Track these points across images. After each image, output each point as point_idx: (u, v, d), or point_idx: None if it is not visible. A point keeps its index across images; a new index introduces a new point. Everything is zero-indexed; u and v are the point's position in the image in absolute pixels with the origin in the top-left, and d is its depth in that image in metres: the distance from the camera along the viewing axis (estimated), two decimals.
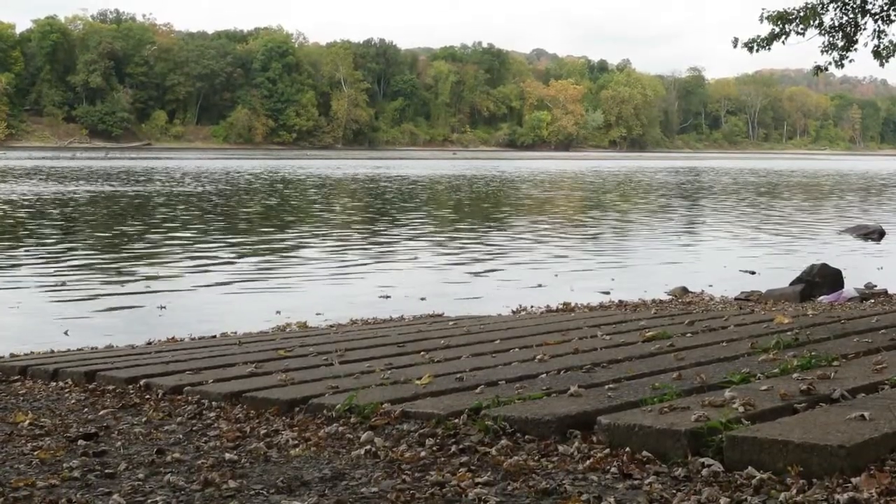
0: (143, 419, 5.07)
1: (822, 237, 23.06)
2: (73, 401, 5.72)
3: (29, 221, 25.28)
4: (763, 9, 9.47)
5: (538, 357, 6.04)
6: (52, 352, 8.66)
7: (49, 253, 18.44)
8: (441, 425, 4.35)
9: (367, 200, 36.07)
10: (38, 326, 11.19)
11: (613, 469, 3.65)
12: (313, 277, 15.57)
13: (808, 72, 12.61)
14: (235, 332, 9.98)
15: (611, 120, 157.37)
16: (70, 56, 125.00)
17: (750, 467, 3.50)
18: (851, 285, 12.63)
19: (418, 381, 5.35)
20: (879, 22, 9.56)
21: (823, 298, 11.78)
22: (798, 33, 9.37)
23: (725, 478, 3.48)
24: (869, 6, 9.47)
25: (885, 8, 9.46)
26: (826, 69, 9.84)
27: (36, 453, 4.26)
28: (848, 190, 47.91)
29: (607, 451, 3.86)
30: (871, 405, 4.10)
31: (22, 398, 5.93)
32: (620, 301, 12.32)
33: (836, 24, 9.41)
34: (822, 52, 9.61)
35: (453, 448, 4.05)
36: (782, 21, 9.33)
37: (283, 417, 4.93)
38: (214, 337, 9.61)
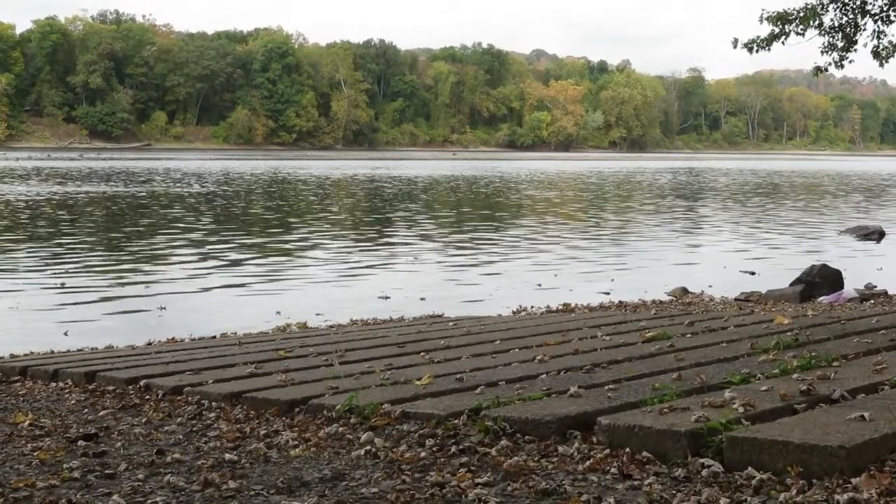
0: (143, 420, 5.07)
1: (822, 238, 23.06)
2: (73, 401, 5.72)
3: (29, 222, 25.28)
4: (763, 9, 9.48)
5: (538, 357, 6.04)
6: (52, 352, 8.65)
7: (49, 253, 18.44)
8: (441, 426, 4.35)
9: (367, 201, 36.08)
10: (38, 327, 11.19)
11: (613, 470, 3.65)
12: (313, 278, 15.58)
13: (807, 72, 12.61)
14: (235, 333, 9.98)
15: (611, 120, 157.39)
16: (70, 56, 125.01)
17: (750, 468, 3.50)
18: (851, 286, 12.63)
19: (418, 382, 5.35)
20: (879, 22, 9.56)
21: (823, 299, 11.79)
22: (798, 34, 9.37)
23: (725, 478, 3.48)
24: (869, 7, 9.47)
25: (885, 8, 9.46)
26: (826, 70, 9.84)
27: (36, 454, 4.26)
28: (848, 190, 47.92)
29: (607, 451, 3.86)
30: (871, 406, 4.10)
31: (22, 399, 5.93)
32: (620, 301, 12.32)
33: (836, 24, 9.42)
34: (821, 52, 9.62)
35: (453, 448, 4.05)
36: (782, 22, 9.34)
37: (283, 418, 4.93)
38: (214, 337, 9.61)
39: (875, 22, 9.55)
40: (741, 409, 4.06)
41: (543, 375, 5.41)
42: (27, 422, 5.02)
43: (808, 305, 11.03)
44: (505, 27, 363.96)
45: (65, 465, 4.01)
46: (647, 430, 3.86)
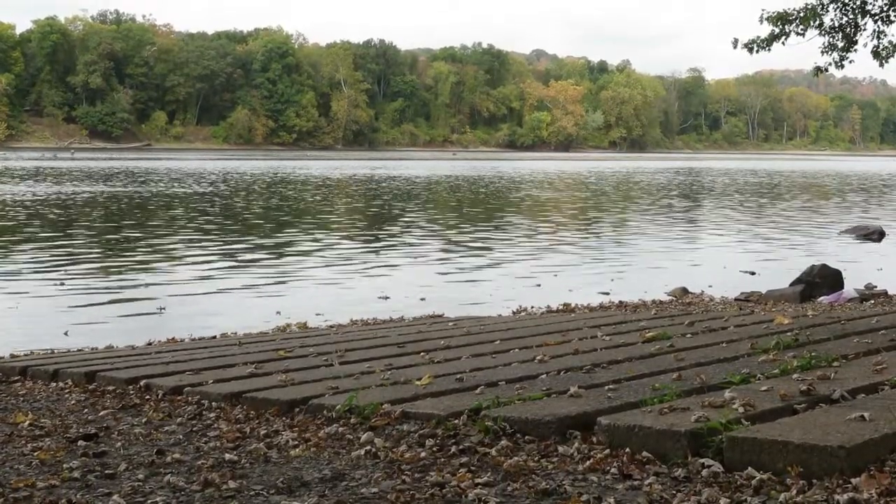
0: (144, 420, 5.07)
1: (822, 238, 23.06)
2: (73, 401, 5.72)
3: (29, 222, 25.29)
4: (763, 10, 9.48)
5: (538, 358, 6.04)
6: (53, 352, 8.66)
7: (49, 253, 18.44)
8: (441, 426, 4.35)
9: (367, 201, 36.08)
10: (38, 327, 11.19)
11: (613, 470, 3.65)
12: (313, 278, 15.57)
13: (808, 72, 12.62)
14: (235, 333, 9.98)
15: (611, 120, 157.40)
16: (70, 57, 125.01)
17: (750, 468, 3.50)
18: (851, 286, 12.63)
19: (418, 382, 5.35)
20: (879, 22, 9.56)
21: (823, 299, 11.79)
22: (798, 34, 9.37)
23: (725, 478, 3.48)
24: (869, 7, 9.47)
25: (885, 9, 9.46)
26: (826, 70, 9.84)
27: (36, 454, 4.26)
28: (848, 190, 47.92)
29: (607, 451, 3.86)
30: (871, 406, 4.10)
31: (22, 399, 5.93)
32: (620, 302, 12.33)
33: (836, 24, 9.42)
34: (821, 52, 9.62)
35: (453, 449, 4.05)
36: (782, 22, 9.34)
37: (283, 418, 4.93)
38: (214, 337, 9.61)
39: (875, 22, 9.55)
40: (741, 410, 4.06)
41: (543, 375, 5.41)
42: (27, 422, 5.02)
43: (808, 305, 11.03)
44: (505, 27, 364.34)
45: (65, 465, 4.01)
46: (647, 430, 3.86)
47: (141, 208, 30.56)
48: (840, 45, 9.48)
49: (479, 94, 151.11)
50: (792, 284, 12.85)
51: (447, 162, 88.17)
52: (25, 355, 8.43)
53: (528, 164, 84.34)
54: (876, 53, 9.71)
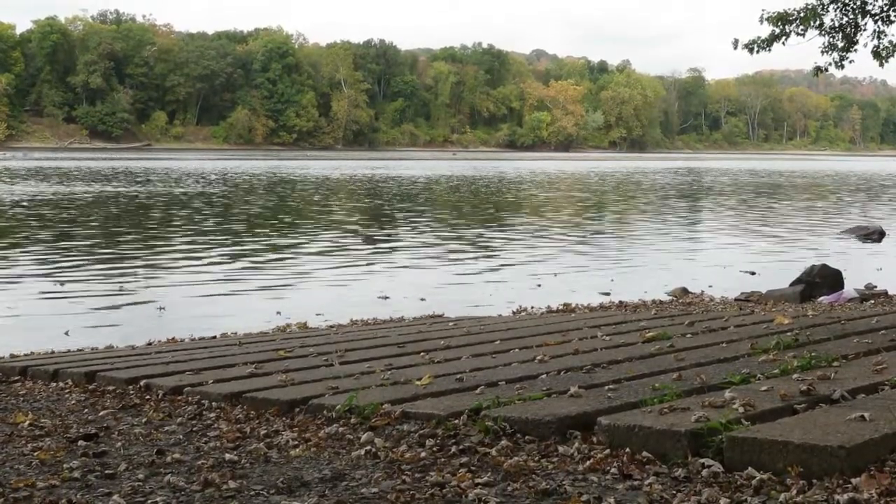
0: (144, 420, 5.07)
1: (822, 238, 23.06)
2: (73, 401, 5.72)
3: (28, 222, 25.28)
4: (763, 10, 9.48)
5: (538, 358, 6.04)
6: (53, 352, 8.66)
7: (49, 253, 18.44)
8: (441, 426, 4.35)
9: (367, 201, 36.08)
10: (38, 327, 11.19)
11: (613, 470, 3.65)
12: (313, 278, 15.58)
13: (808, 72, 12.60)
14: (235, 333, 9.98)
15: (611, 120, 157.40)
16: (70, 57, 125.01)
17: (750, 468, 3.50)
18: (851, 286, 12.63)
19: (418, 382, 5.35)
20: (879, 22, 9.56)
21: (823, 299, 11.78)
22: (798, 34, 9.37)
23: (725, 478, 3.48)
24: (869, 7, 9.47)
25: (885, 9, 9.46)
26: (826, 70, 9.84)
27: (36, 454, 4.26)
28: (848, 190, 47.92)
29: (607, 451, 3.86)
30: (871, 406, 4.10)
31: (22, 399, 5.93)
32: (620, 302, 12.32)
33: (836, 24, 9.42)
34: (822, 52, 9.62)
35: (453, 449, 4.04)
36: (782, 22, 9.33)
37: (284, 418, 4.93)
38: (214, 337, 9.61)
39: (875, 22, 9.55)
40: (741, 410, 4.06)
41: (543, 375, 5.40)
42: (27, 422, 5.02)
43: (809, 305, 11.03)
44: (505, 27, 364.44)
45: (65, 465, 4.01)
46: (648, 430, 3.86)
47: (141, 208, 30.56)
48: (840, 45, 9.48)
49: (479, 94, 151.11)
50: (792, 284, 12.85)
51: (447, 162, 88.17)
52: (25, 355, 8.43)
53: (528, 164, 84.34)
54: (876, 53, 9.71)
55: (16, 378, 6.76)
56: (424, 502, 3.38)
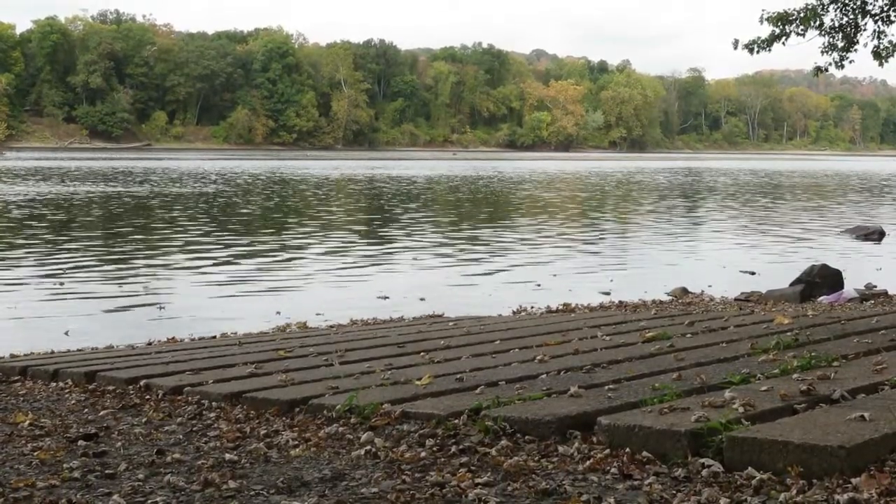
0: (144, 420, 5.07)
1: (822, 238, 23.06)
2: (73, 401, 5.72)
3: (28, 222, 25.28)
4: (763, 10, 9.48)
5: (538, 357, 6.04)
6: (53, 352, 8.65)
7: (49, 253, 18.45)
8: (441, 426, 4.35)
9: (367, 201, 36.09)
10: (38, 327, 11.19)
11: (613, 470, 3.65)
12: (313, 278, 15.58)
13: (808, 72, 12.61)
14: (235, 333, 9.98)
15: (611, 120, 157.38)
16: (70, 56, 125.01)
17: (750, 468, 3.50)
18: (851, 286, 12.63)
19: (418, 382, 5.35)
20: (879, 22, 9.56)
21: (823, 299, 11.78)
22: (798, 34, 9.37)
23: (725, 478, 3.48)
24: (869, 7, 9.47)
25: (885, 8, 9.46)
26: (826, 70, 9.85)
27: (36, 454, 4.26)
28: (848, 190, 47.92)
29: (607, 451, 3.86)
30: (871, 406, 4.10)
31: (22, 398, 5.93)
32: (620, 301, 12.32)
33: (836, 24, 9.42)
34: (822, 52, 9.62)
35: (453, 448, 4.04)
36: (782, 22, 9.34)
37: (284, 418, 4.93)
38: (214, 337, 9.61)
39: (875, 22, 9.55)
40: (741, 409, 4.06)
41: (543, 375, 5.40)
42: (27, 422, 5.02)
43: (808, 305, 11.03)
44: (505, 27, 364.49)
45: (65, 465, 4.01)
46: (648, 430, 3.86)
47: (141, 208, 30.56)
48: (840, 45, 9.48)
49: (479, 94, 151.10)
50: (792, 284, 12.85)
51: (447, 162, 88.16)
52: (25, 355, 8.42)
53: (528, 164, 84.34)
54: (876, 53, 9.71)
55: (16, 378, 6.76)
56: (424, 502, 3.38)
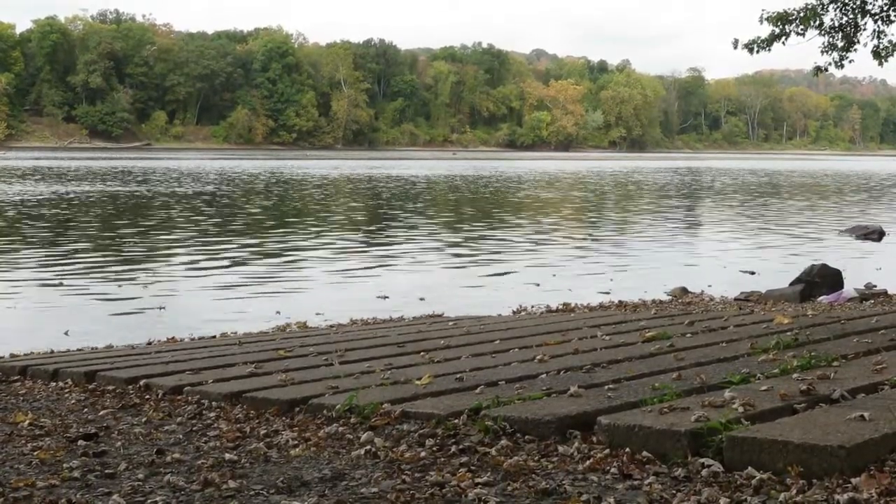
0: (143, 419, 5.07)
1: (821, 237, 23.06)
2: (73, 401, 5.72)
3: (28, 221, 25.28)
4: (763, 10, 9.49)
5: (538, 357, 6.04)
6: (52, 352, 8.65)
7: (49, 253, 18.44)
8: (441, 425, 4.35)
9: (367, 201, 36.08)
10: (38, 326, 11.19)
11: (613, 469, 3.65)
12: (313, 278, 15.57)
13: (808, 72, 12.61)
14: (235, 333, 9.98)
15: (611, 120, 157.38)
16: (70, 56, 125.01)
17: (750, 468, 3.50)
18: (851, 286, 12.63)
19: (418, 382, 5.35)
20: (879, 22, 9.57)
21: (823, 299, 11.78)
22: (798, 34, 9.38)
23: (725, 478, 3.48)
24: (869, 6, 9.47)
25: (885, 8, 9.46)
26: (826, 70, 9.85)
27: (36, 453, 4.26)
28: (848, 190, 47.92)
29: (607, 451, 3.86)
30: (870, 405, 4.10)
31: (22, 398, 5.93)
32: (620, 301, 12.32)
33: (836, 24, 9.42)
34: (821, 52, 9.63)
35: (453, 448, 4.04)
36: (782, 22, 9.34)
37: (283, 418, 4.93)
38: (214, 337, 9.61)
39: (875, 22, 9.56)
40: (741, 409, 4.06)
41: (543, 375, 5.40)
42: (27, 421, 5.02)
43: (808, 305, 11.03)
44: (505, 27, 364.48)
45: (65, 465, 4.01)
46: (647, 429, 3.86)
47: (141, 208, 30.56)
48: (840, 44, 9.49)
49: (479, 94, 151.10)
50: (792, 284, 12.85)
51: (447, 162, 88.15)
52: (25, 355, 8.42)
53: (528, 164, 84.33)
54: (876, 53, 9.72)
55: (16, 378, 6.76)
56: (424, 502, 3.38)
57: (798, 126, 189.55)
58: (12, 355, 8.42)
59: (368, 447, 4.12)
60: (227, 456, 4.11)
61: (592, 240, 22.23)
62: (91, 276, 15.47)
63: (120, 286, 14.44)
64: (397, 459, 3.94)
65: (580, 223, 27.36)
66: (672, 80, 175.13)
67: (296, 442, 4.36)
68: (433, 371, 5.71)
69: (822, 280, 12.66)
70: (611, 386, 4.90)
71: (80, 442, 4.48)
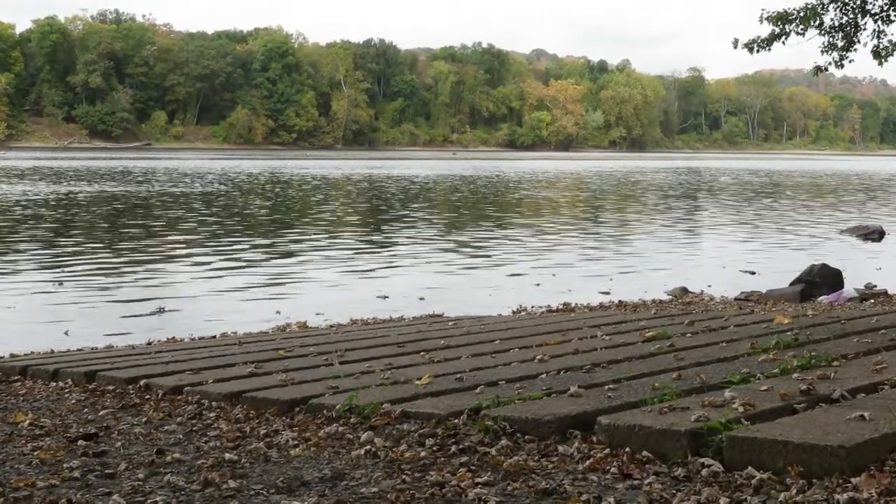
0: (143, 419, 5.07)
1: (822, 237, 23.06)
2: (73, 401, 5.72)
3: (28, 221, 25.28)
4: (763, 9, 9.49)
5: (538, 357, 6.04)
6: (53, 352, 8.66)
7: (49, 253, 18.44)
8: (441, 425, 4.35)
9: (367, 201, 36.08)
10: (38, 326, 11.19)
11: (613, 469, 3.65)
12: (313, 278, 15.57)
13: (808, 72, 12.62)
14: (235, 333, 9.98)
15: (611, 120, 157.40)
16: (70, 56, 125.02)
17: (750, 467, 3.50)
18: (851, 285, 12.63)
19: (418, 382, 5.35)
20: (879, 22, 9.57)
21: (823, 299, 11.78)
22: (798, 34, 9.38)
23: (725, 478, 3.48)
24: (869, 6, 9.47)
25: (885, 8, 9.46)
26: (826, 69, 9.85)
27: (36, 453, 4.26)
28: (848, 190, 47.92)
29: (607, 451, 3.86)
30: (870, 405, 4.10)
31: (22, 398, 5.93)
32: (620, 301, 12.32)
33: (836, 24, 9.42)
34: (821, 52, 9.63)
35: (453, 448, 4.04)
36: (782, 21, 9.34)
37: (283, 417, 4.93)
38: (214, 337, 9.61)
39: (875, 21, 9.56)
40: (741, 409, 4.06)
41: (543, 375, 5.40)
42: (27, 421, 5.02)
43: (808, 305, 11.03)
44: (505, 27, 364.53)
45: (65, 465, 4.01)
46: (648, 429, 3.86)
47: (141, 208, 30.56)
48: (840, 44, 9.49)
49: (479, 94, 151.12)
50: (792, 284, 12.85)
51: (447, 161, 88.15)
52: (25, 355, 8.43)
53: (528, 164, 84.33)
54: (876, 53, 9.72)
55: (16, 378, 6.76)
56: (424, 502, 3.38)
57: (798, 126, 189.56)
58: (12, 355, 8.42)
59: (368, 447, 4.12)
60: (227, 456, 4.11)
61: (592, 239, 22.23)
62: (91, 276, 15.47)
63: (120, 286, 14.44)
64: (397, 459, 3.94)
65: (580, 223, 27.36)
66: (672, 80, 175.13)
67: (296, 442, 4.36)
68: (433, 371, 5.71)
69: (822, 280, 12.67)
70: (611, 386, 4.89)
71: (81, 442, 4.48)
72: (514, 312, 11.55)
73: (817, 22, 9.30)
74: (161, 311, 12.29)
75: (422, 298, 13.14)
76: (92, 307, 12.62)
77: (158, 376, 6.17)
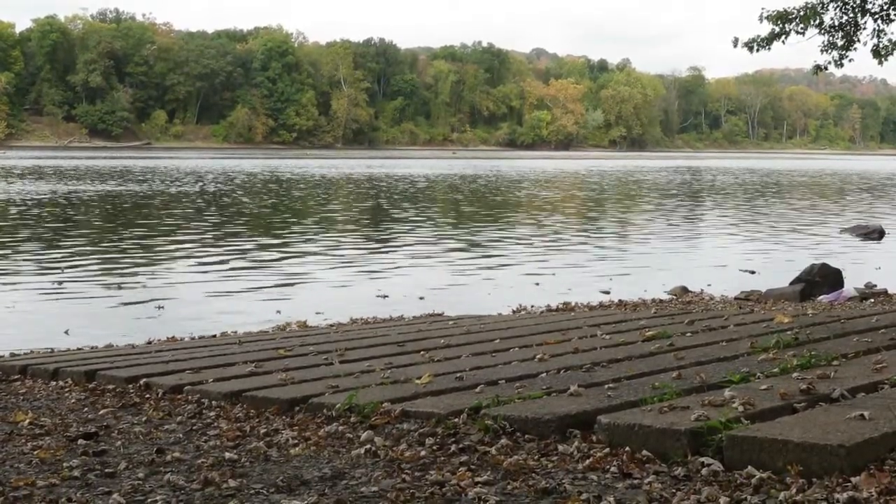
0: (143, 418, 5.07)
1: (822, 237, 23.06)
2: (73, 400, 5.72)
3: (29, 221, 25.28)
4: (763, 8, 9.49)
5: (538, 356, 6.04)
6: (52, 351, 8.66)
7: (48, 252, 18.44)
8: (441, 424, 4.35)
9: (367, 200, 36.07)
10: (38, 326, 11.19)
11: (613, 468, 3.65)
12: (313, 277, 15.58)
13: (808, 71, 12.61)
14: (235, 332, 9.98)
15: (611, 119, 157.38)
16: (70, 55, 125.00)
17: (750, 466, 3.50)
18: (851, 285, 12.63)
19: (418, 381, 5.35)
20: (879, 21, 9.56)
21: (823, 298, 11.78)
22: (798, 33, 9.38)
23: (725, 477, 3.48)
24: (869, 5, 9.47)
25: (885, 7, 9.46)
26: (826, 68, 9.85)
27: (36, 453, 4.26)
28: (848, 189, 47.91)
29: (607, 450, 3.86)
30: (870, 405, 4.10)
31: (22, 397, 5.93)
32: (620, 300, 12.32)
33: (836, 23, 9.42)
34: (821, 51, 9.63)
35: (453, 447, 4.04)
36: (782, 21, 9.34)
37: (283, 417, 4.93)
38: (214, 336, 9.61)
39: (875, 20, 9.56)
40: (741, 408, 4.06)
41: (543, 374, 5.40)
42: (27, 420, 5.02)
43: (808, 304, 11.03)
44: (505, 26, 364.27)
45: (65, 464, 4.01)
46: (647, 428, 3.86)
47: (140, 207, 30.56)
48: (840, 43, 9.49)
49: (479, 93, 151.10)
50: (792, 283, 12.85)
51: (447, 161, 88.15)
52: (25, 354, 8.43)
53: (528, 163, 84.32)
54: (876, 52, 9.71)
55: (16, 377, 6.76)
56: (424, 501, 3.38)
57: (798, 125, 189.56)
58: (12, 354, 8.43)
59: (368, 446, 4.12)
60: (227, 455, 4.11)
61: (592, 239, 22.22)
62: (91, 275, 15.46)
63: (120, 285, 14.44)
64: (397, 458, 3.94)
65: (580, 222, 27.36)
66: (672, 80, 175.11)
67: (296, 441, 4.36)
68: (433, 370, 5.71)
69: (822, 279, 12.67)
70: (611, 385, 4.89)
71: (80, 441, 4.48)
72: (514, 312, 11.55)
73: (817, 21, 9.30)
74: (161, 310, 12.28)
75: (422, 298, 13.14)
76: (92, 307, 12.62)
77: (158, 375, 6.17)
